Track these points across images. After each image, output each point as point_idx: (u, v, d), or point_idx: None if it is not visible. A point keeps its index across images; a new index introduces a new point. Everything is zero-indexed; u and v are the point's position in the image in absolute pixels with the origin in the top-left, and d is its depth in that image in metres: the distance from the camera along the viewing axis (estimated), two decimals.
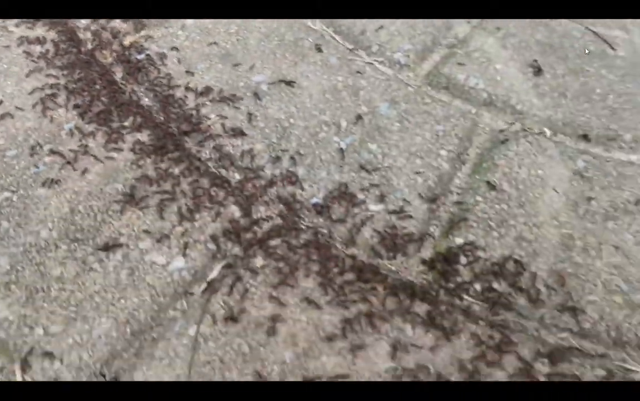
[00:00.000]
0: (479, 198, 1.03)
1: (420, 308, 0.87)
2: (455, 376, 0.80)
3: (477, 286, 0.91)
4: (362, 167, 1.06)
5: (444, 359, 0.82)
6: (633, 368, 0.84)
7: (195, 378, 0.78)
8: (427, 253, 0.95)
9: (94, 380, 0.78)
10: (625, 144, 1.15)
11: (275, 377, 0.79)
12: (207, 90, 1.19)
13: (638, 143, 1.15)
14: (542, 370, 0.82)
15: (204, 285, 0.88)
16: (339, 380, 0.79)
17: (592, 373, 0.82)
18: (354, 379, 0.79)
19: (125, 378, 0.78)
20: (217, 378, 0.78)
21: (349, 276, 0.90)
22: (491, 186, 1.05)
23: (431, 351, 0.83)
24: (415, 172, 1.06)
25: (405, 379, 0.79)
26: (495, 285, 0.91)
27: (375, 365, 0.81)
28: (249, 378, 0.78)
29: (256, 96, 1.19)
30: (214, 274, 0.90)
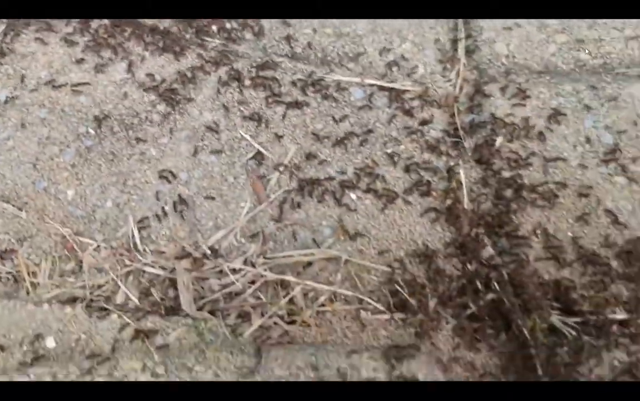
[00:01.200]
0: None
1: (161, 41, 1.10)
2: (175, 84, 1.04)
3: (214, 27, 1.14)
4: None
5: (170, 73, 1.06)
6: (333, 77, 1.07)
7: None
8: None
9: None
10: None
11: (32, 88, 1.03)
12: None
13: None
14: (249, 75, 1.06)
15: None
16: (81, 88, 1.03)
17: (290, 77, 1.06)
18: (94, 88, 1.03)
19: None
20: None
21: (105, 24, 1.12)
22: None
23: (160, 67, 1.07)
24: None
25: (135, 83, 1.03)
26: (227, 25, 1.14)
27: (112, 76, 1.05)
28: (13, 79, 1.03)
29: None
30: None
